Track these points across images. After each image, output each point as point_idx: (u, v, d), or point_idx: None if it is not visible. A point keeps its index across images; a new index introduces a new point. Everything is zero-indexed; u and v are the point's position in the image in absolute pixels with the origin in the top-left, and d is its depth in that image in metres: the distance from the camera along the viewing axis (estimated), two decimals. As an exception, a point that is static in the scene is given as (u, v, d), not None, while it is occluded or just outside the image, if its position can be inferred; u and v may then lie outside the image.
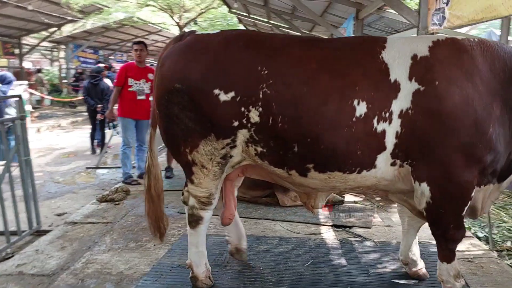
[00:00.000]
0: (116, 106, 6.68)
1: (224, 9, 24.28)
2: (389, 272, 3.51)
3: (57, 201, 6.44)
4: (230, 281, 3.39)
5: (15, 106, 4.75)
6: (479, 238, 4.47)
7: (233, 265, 3.66)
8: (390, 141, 2.61)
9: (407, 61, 2.63)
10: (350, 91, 2.59)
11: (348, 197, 5.36)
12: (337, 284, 3.31)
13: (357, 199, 5.43)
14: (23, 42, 21.01)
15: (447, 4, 3.98)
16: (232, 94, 2.69)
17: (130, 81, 6.37)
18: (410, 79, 2.59)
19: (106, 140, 9.59)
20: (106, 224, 4.79)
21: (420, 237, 4.24)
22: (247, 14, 17.91)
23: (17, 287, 3.41)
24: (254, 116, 2.69)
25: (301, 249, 3.97)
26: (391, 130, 2.60)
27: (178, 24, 24.90)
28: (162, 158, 8.59)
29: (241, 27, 27.12)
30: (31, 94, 17.87)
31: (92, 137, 10.20)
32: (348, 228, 4.51)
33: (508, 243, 4.44)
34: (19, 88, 11.75)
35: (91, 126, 10.19)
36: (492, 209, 5.01)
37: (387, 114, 2.58)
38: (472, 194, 2.69)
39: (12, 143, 4.89)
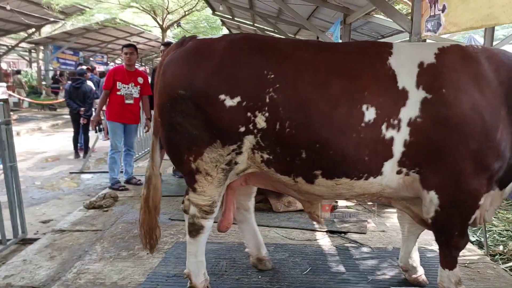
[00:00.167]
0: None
1: (208, 11, 24.22)
2: (388, 279, 3.49)
3: (41, 208, 6.23)
4: (229, 291, 3.33)
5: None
6: (471, 242, 4.51)
7: (230, 274, 3.59)
8: (397, 149, 2.60)
9: (414, 68, 2.62)
10: (359, 96, 2.57)
11: (341, 202, 5.34)
12: (338, 293, 3.27)
13: (349, 204, 5.42)
14: (0, 42, 20.46)
15: (442, 11, 4.01)
16: (238, 99, 2.62)
17: (118, 84, 6.23)
18: (417, 87, 2.58)
19: (90, 144, 9.38)
20: (95, 232, 4.65)
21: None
22: (231, 17, 17.86)
23: (6, 301, 3.27)
24: (261, 121, 2.63)
25: (298, 256, 3.92)
26: (399, 138, 2.58)
27: (161, 26, 24.69)
28: (147, 163, 8.47)
29: (225, 29, 27.07)
30: (10, 95, 17.42)
31: (75, 141, 9.95)
32: (343, 234, 4.49)
33: (500, 247, 4.50)
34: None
35: (73, 130, 9.95)
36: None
37: (396, 121, 2.57)
38: (481, 202, 2.70)
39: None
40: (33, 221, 5.60)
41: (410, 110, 2.57)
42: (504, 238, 4.74)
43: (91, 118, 7.14)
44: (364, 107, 2.56)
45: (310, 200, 3.04)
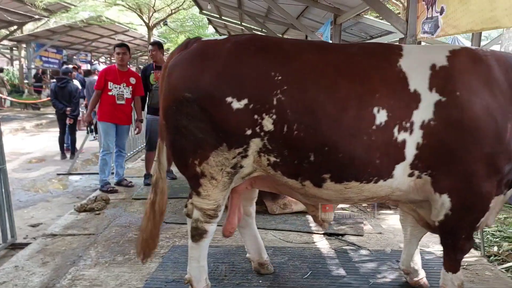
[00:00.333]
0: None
1: (194, 10, 24.07)
2: (389, 282, 3.49)
3: (29, 211, 6.07)
4: (230, 296, 3.28)
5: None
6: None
7: (231, 279, 3.53)
8: (410, 151, 2.58)
9: (426, 71, 2.61)
10: (370, 98, 2.55)
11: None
12: (341, 297, 3.25)
13: (344, 205, 5.42)
14: (-19, 40, 19.98)
15: (441, 13, 4.03)
16: (245, 101, 2.57)
17: (110, 85, 6.11)
18: (430, 89, 2.57)
19: (78, 144, 9.19)
20: (88, 236, 4.54)
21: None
22: (218, 16, 17.76)
23: (-1, 309, 3.15)
24: (268, 124, 2.59)
25: (297, 259, 3.89)
26: (411, 140, 2.57)
27: (147, 24, 24.38)
28: (137, 164, 8.35)
29: (211, 28, 26.93)
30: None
31: (61, 142, 9.75)
32: (340, 236, 4.48)
33: (495, 248, 4.54)
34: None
35: (59, 130, 9.74)
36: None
37: (408, 124, 2.55)
38: (491, 205, 2.71)
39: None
40: (22, 225, 5.44)
41: (423, 113, 2.56)
42: (497, 239, 4.79)
43: (81, 118, 6.98)
44: (375, 109, 2.54)
45: (316, 204, 3.01)
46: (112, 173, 6.57)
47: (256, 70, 2.60)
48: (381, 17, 11.15)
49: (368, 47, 2.83)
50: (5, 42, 22.18)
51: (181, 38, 30.44)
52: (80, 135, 10.28)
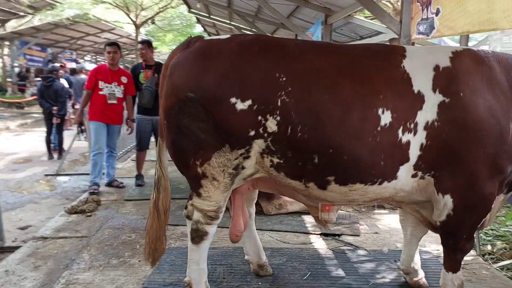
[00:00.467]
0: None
1: (182, 8, 23.87)
2: (388, 282, 3.48)
3: (17, 213, 5.93)
4: (230, 299, 3.23)
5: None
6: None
7: (229, 281, 3.49)
8: (414, 152, 2.58)
9: (430, 72, 2.61)
10: (375, 99, 2.53)
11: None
12: (342, 298, 3.23)
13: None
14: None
15: (436, 14, 4.04)
16: (249, 102, 2.53)
17: (101, 84, 5.99)
18: (434, 90, 2.57)
19: (66, 144, 9.03)
20: (80, 239, 4.44)
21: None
22: (207, 15, 17.65)
23: (-9, 316, 3.05)
24: (272, 125, 2.55)
25: (296, 260, 3.86)
26: (415, 141, 2.56)
27: (134, 22, 24.11)
28: (128, 165, 8.23)
29: (199, 27, 26.74)
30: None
31: (48, 142, 9.58)
32: (337, 237, 4.46)
33: (489, 247, 4.59)
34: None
35: (46, 130, 9.56)
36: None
37: (412, 125, 2.55)
38: (493, 205, 2.72)
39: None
40: (10, 227, 5.31)
41: (427, 114, 2.56)
42: (490, 238, 4.84)
43: (68, 117, 6.81)
44: (380, 111, 2.53)
45: (317, 205, 2.98)
46: (103, 174, 6.44)
47: (261, 71, 2.56)
48: (373, 18, 11.24)
49: (372, 48, 2.81)
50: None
51: (169, 37, 30.24)
52: (68, 135, 10.13)
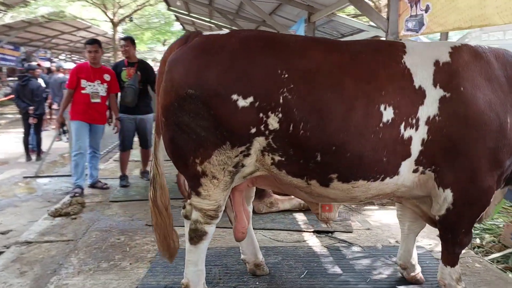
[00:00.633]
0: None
1: (160, 6, 23.58)
2: (386, 278, 3.48)
3: (-3, 217, 5.69)
4: (228, 300, 3.17)
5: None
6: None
7: (226, 282, 3.42)
8: (415, 148, 2.57)
9: (430, 67, 2.61)
10: (377, 96, 2.51)
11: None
12: (341, 295, 3.21)
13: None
14: None
15: (426, 11, 4.07)
16: (251, 99, 2.47)
17: (83, 82, 5.79)
18: (434, 85, 2.58)
19: (44, 145, 8.75)
20: (67, 243, 4.28)
21: (400, 240, 4.32)
22: (187, 13, 17.47)
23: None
24: (273, 122, 2.50)
25: (291, 259, 3.82)
26: (417, 137, 2.56)
27: (111, 20, 23.62)
28: (110, 165, 8.03)
29: (178, 25, 26.44)
30: None
31: (26, 143, 9.26)
32: (330, 234, 4.45)
33: (477, 240, 4.66)
34: None
35: (23, 130, 9.24)
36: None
37: (414, 121, 2.54)
38: (492, 199, 2.74)
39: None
40: (-10, 232, 5.09)
41: (428, 109, 2.55)
42: (478, 231, 4.92)
43: (56, 119, 6.55)
44: (382, 107, 2.51)
45: (321, 202, 2.95)
46: (86, 175, 6.25)
47: (263, 67, 2.51)
48: (355, 16, 11.31)
49: (373, 44, 2.80)
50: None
51: (147, 35, 29.81)
52: (46, 135, 9.83)
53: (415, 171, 2.66)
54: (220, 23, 17.15)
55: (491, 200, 2.77)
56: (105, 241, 4.29)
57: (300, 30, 9.72)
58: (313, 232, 4.49)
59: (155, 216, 2.96)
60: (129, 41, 6.34)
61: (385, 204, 5.38)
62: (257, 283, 3.39)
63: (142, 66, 6.45)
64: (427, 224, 3.17)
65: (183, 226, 3.01)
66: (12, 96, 11.62)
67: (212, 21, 17.38)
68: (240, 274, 3.53)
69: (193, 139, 2.56)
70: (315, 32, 9.43)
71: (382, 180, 2.63)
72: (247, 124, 2.52)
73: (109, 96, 6.04)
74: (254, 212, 4.93)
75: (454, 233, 2.86)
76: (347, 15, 11.20)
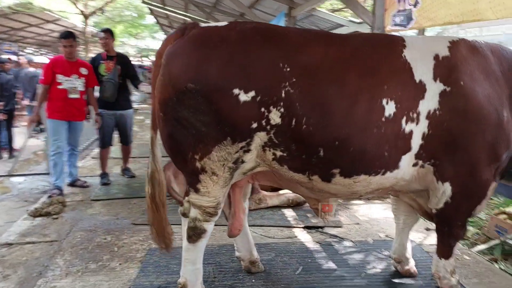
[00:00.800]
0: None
1: (134, -2, 23.02)
2: (380, 273, 3.50)
3: (-30, 218, 5.41)
4: (225, 299, 3.12)
5: None
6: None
7: (221, 280, 3.36)
8: (416, 142, 2.59)
9: (430, 61, 2.62)
10: (379, 90, 2.51)
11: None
12: (338, 290, 3.21)
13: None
14: None
15: (415, 5, 4.10)
16: (252, 93, 2.41)
17: (59, 77, 5.52)
18: (435, 79, 2.59)
19: (17, 143, 8.40)
20: (51, 243, 4.11)
21: (390, 233, 4.38)
22: (161, 5, 17.15)
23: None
24: (275, 117, 2.45)
25: (285, 255, 3.80)
26: (418, 131, 2.57)
27: (82, 12, 22.87)
28: (88, 163, 7.79)
29: (151, 18, 25.92)
30: None
31: (-4, 140, 8.88)
32: (320, 229, 4.45)
33: (462, 232, 4.76)
34: None
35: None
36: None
37: (415, 115, 2.55)
38: (489, 192, 2.79)
39: None
40: (-36, 234, 4.83)
41: (428, 103, 2.57)
42: (461, 223, 5.03)
43: (30, 118, 6.24)
44: (384, 101, 2.51)
45: (320, 197, 2.93)
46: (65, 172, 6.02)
47: (264, 61, 2.45)
48: (335, 10, 11.34)
49: (373, 38, 2.79)
50: None
51: (119, 28, 29.02)
52: (18, 132, 9.46)
53: (414, 165, 2.68)
54: (196, 17, 16.90)
55: (489, 192, 2.82)
56: (91, 241, 4.14)
57: (280, 24, 9.70)
58: (303, 227, 4.48)
59: (152, 212, 2.88)
60: (109, 33, 6.14)
61: (371, 199, 5.43)
62: (253, 280, 3.35)
63: (121, 60, 6.26)
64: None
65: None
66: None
67: (187, 14, 17.13)
68: (235, 272, 3.49)
69: (193, 134, 2.48)
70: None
71: (383, 174, 2.63)
72: (248, 119, 2.47)
73: (86, 91, 5.81)
74: (242, 208, 4.91)
75: (450, 226, 2.90)
76: (327, 9, 11.24)
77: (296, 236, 4.27)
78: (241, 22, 2.89)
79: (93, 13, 23.45)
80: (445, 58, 2.64)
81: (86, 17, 22.84)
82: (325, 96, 2.45)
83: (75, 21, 26.02)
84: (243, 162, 2.62)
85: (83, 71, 5.74)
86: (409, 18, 4.28)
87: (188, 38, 2.54)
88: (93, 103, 5.96)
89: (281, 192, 5.20)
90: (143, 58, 33.27)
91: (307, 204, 5.10)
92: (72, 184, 5.99)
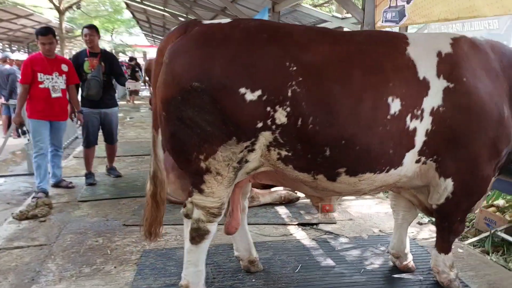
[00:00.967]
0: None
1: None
2: (378, 268, 3.53)
3: (-50, 223, 5.19)
4: (226, 300, 3.08)
5: None
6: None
7: (221, 280, 3.32)
8: (419, 138, 2.61)
9: (433, 58, 2.63)
10: (384, 88, 2.51)
11: (301, 193, 5.30)
12: (339, 288, 3.22)
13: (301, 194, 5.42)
14: None
15: (408, 2, 4.12)
16: (258, 92, 2.38)
17: (40, 76, 5.30)
18: (438, 76, 2.61)
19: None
20: (40, 247, 3.97)
21: (384, 229, 4.43)
22: (139, 0, 16.85)
23: None
24: (281, 116, 2.42)
25: (282, 253, 3.78)
26: (421, 127, 2.59)
27: (57, 8, 22.16)
28: (71, 162, 7.58)
29: (128, 13, 25.43)
30: None
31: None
32: (315, 226, 4.45)
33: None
34: None
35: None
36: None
37: (419, 112, 2.57)
38: (489, 188, 2.83)
39: None
40: None
41: (432, 100, 2.59)
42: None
43: (12, 120, 5.98)
44: (390, 99, 2.51)
45: (323, 195, 2.92)
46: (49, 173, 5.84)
47: (270, 59, 2.42)
48: (318, 5, 11.34)
49: (376, 36, 2.80)
50: None
51: (95, 24, 28.32)
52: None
53: (417, 161, 2.70)
54: (175, 12, 16.69)
55: (489, 188, 2.87)
56: (82, 244, 4.03)
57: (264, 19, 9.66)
58: (297, 225, 4.47)
59: (151, 208, 2.83)
60: (94, 29, 5.96)
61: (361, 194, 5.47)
62: (253, 280, 3.32)
63: (106, 57, 6.11)
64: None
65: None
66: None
67: (166, 9, 16.88)
68: (234, 271, 3.45)
69: (198, 134, 2.44)
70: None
71: (387, 171, 2.64)
72: (254, 118, 2.44)
73: (67, 88, 5.62)
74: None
75: (451, 222, 2.95)
76: (310, 4, 11.25)
77: (291, 234, 4.26)
78: (244, 19, 2.85)
79: (69, 8, 22.80)
80: (448, 55, 2.66)
81: (60, 12, 22.14)
82: (332, 95, 2.44)
83: (49, 16, 25.32)
84: (247, 161, 2.59)
85: (64, 67, 5.54)
86: (401, 15, 4.31)
87: (191, 36, 2.48)
88: (74, 101, 5.77)
89: (272, 189, 5.18)
90: (120, 54, 32.64)
91: (299, 201, 5.14)
92: (57, 185, 5.81)
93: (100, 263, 3.65)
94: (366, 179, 2.63)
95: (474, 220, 4.86)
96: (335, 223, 4.55)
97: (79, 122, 5.81)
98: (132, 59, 19.80)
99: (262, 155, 2.58)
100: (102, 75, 5.89)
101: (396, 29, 4.91)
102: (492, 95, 2.65)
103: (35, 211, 4.75)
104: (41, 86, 5.32)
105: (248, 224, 4.40)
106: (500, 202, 4.87)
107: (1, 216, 5.08)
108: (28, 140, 5.49)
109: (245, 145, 2.50)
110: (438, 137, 2.63)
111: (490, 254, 4.10)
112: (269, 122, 2.44)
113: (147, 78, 20.24)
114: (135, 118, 13.72)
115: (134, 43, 40.59)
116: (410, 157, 2.66)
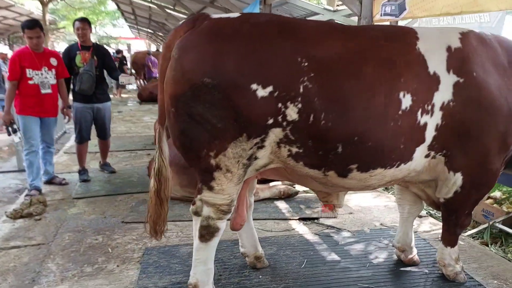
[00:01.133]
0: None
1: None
2: (383, 262, 3.53)
3: None
4: (235, 297, 3.05)
5: None
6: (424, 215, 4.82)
7: (227, 277, 3.29)
8: (429, 133, 2.61)
9: (443, 52, 2.63)
10: (396, 83, 2.50)
11: (299, 187, 5.30)
12: (346, 283, 3.20)
13: (306, 188, 5.41)
14: None
15: (409, -5, 4.11)
16: (270, 88, 2.34)
17: (29, 72, 5.12)
18: (448, 71, 2.61)
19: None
20: (38, 247, 3.88)
21: (385, 222, 4.45)
22: (126, -8, 16.54)
23: None
24: (292, 113, 2.39)
25: (287, 248, 3.77)
26: (432, 122, 2.59)
27: (40, -1, 21.58)
28: (62, 158, 7.43)
29: (112, 4, 24.95)
30: None
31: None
32: (316, 220, 4.45)
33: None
34: None
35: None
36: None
37: (429, 107, 2.57)
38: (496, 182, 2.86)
39: None
40: None
41: (443, 94, 2.59)
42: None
43: (1, 118, 5.77)
44: (401, 94, 2.50)
45: (331, 191, 2.91)
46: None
47: (281, 55, 2.38)
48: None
49: (387, 30, 2.78)
50: None
51: (79, 16, 27.73)
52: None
53: (427, 156, 2.71)
54: (161, 3, 16.44)
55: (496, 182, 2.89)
56: (81, 242, 3.95)
57: (255, 12, 9.56)
58: (298, 219, 4.46)
59: (154, 205, 2.78)
60: (86, 23, 5.80)
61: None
62: (260, 276, 3.30)
63: (98, 50, 5.97)
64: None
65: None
66: None
67: (153, 1, 16.62)
68: (240, 268, 3.42)
69: (208, 130, 2.39)
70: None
71: (397, 166, 2.64)
72: (265, 115, 2.40)
73: (57, 82, 5.45)
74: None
75: (458, 215, 2.97)
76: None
77: (293, 229, 4.25)
78: (253, 14, 2.80)
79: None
80: (457, 49, 2.66)
81: (43, 3, 21.53)
82: (344, 91, 2.41)
83: (31, 7, 24.70)
84: (256, 158, 2.56)
85: (53, 61, 5.36)
86: (402, 8, 4.30)
87: (201, 30, 2.41)
88: (63, 96, 5.62)
89: (271, 184, 5.16)
90: (104, 46, 31.96)
91: (298, 195, 5.13)
92: (50, 182, 5.69)
93: (102, 262, 3.58)
94: (377, 174, 2.63)
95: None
96: (336, 217, 4.55)
97: (67, 118, 5.67)
98: (119, 51, 19.48)
99: (272, 152, 2.54)
100: (94, 69, 5.76)
101: (394, 23, 4.91)
102: (501, 89, 2.66)
103: (29, 209, 4.63)
104: (30, 82, 5.15)
105: (249, 219, 4.41)
106: (497, 194, 4.93)
107: (-7, 215, 4.93)
108: (20, 138, 5.31)
109: (255, 141, 2.46)
110: (448, 132, 2.64)
111: (490, 246, 4.15)
112: (279, 118, 2.41)
113: (133, 71, 19.98)
114: (124, 112, 13.52)
115: (119, 35, 39.95)
116: (420, 152, 2.66)
